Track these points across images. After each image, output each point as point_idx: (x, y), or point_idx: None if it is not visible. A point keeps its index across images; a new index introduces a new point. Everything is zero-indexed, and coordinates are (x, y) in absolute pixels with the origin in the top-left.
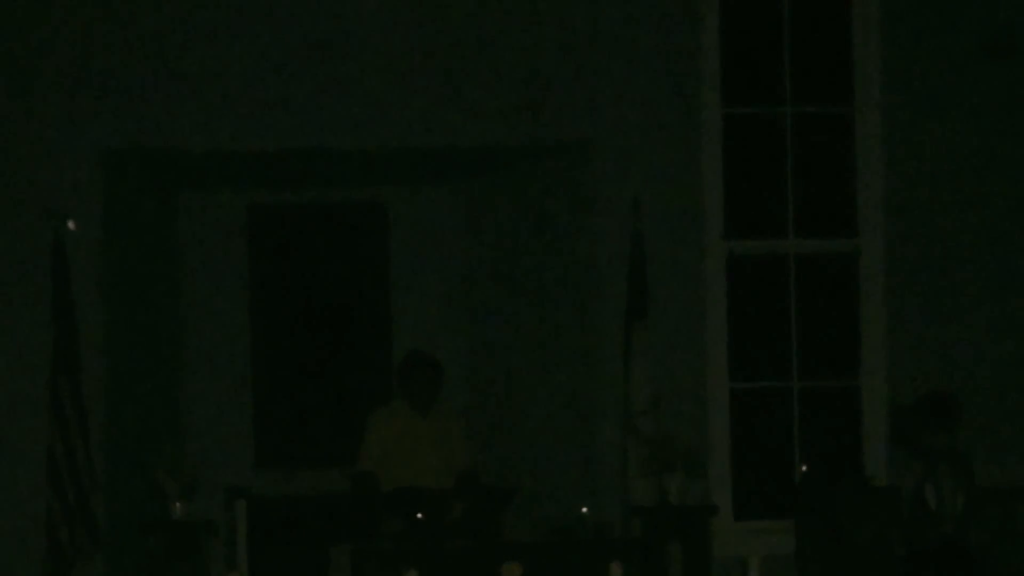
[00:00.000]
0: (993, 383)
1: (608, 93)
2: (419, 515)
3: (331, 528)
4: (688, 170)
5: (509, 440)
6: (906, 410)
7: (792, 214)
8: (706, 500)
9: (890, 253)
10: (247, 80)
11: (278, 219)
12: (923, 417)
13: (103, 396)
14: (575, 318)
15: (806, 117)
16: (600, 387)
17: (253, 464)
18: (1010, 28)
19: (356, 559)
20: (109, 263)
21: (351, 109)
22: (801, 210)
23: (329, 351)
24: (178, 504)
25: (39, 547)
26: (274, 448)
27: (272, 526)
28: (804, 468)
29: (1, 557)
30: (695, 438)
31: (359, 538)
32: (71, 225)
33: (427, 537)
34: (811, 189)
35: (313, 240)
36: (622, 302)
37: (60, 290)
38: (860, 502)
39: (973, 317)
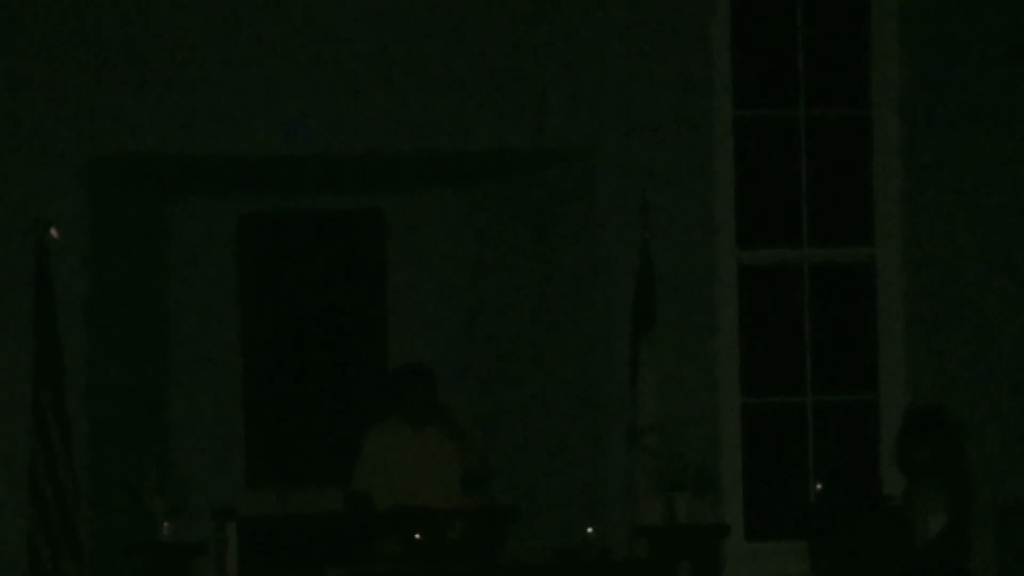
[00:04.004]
0: (1016, 396)
1: (614, 95)
2: (417, 535)
3: (325, 549)
4: (698, 176)
5: (511, 457)
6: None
7: (806, 222)
8: (717, 520)
9: (908, 262)
10: (238, 83)
11: (270, 227)
12: (908, 431)
13: (87, 412)
14: (580, 330)
15: (821, 121)
16: (606, 402)
17: (244, 482)
18: None
19: None
20: (94, 273)
21: (347, 113)
22: (816, 218)
23: (323, 364)
24: (166, 524)
25: (21, 569)
26: (265, 466)
27: (264, 548)
28: (819, 486)
29: None
30: (705, 455)
31: (355, 560)
32: (54, 233)
33: (425, 558)
34: (826, 196)
35: (307, 249)
36: (629, 314)
37: (43, 301)
38: (877, 522)
39: (995, 328)
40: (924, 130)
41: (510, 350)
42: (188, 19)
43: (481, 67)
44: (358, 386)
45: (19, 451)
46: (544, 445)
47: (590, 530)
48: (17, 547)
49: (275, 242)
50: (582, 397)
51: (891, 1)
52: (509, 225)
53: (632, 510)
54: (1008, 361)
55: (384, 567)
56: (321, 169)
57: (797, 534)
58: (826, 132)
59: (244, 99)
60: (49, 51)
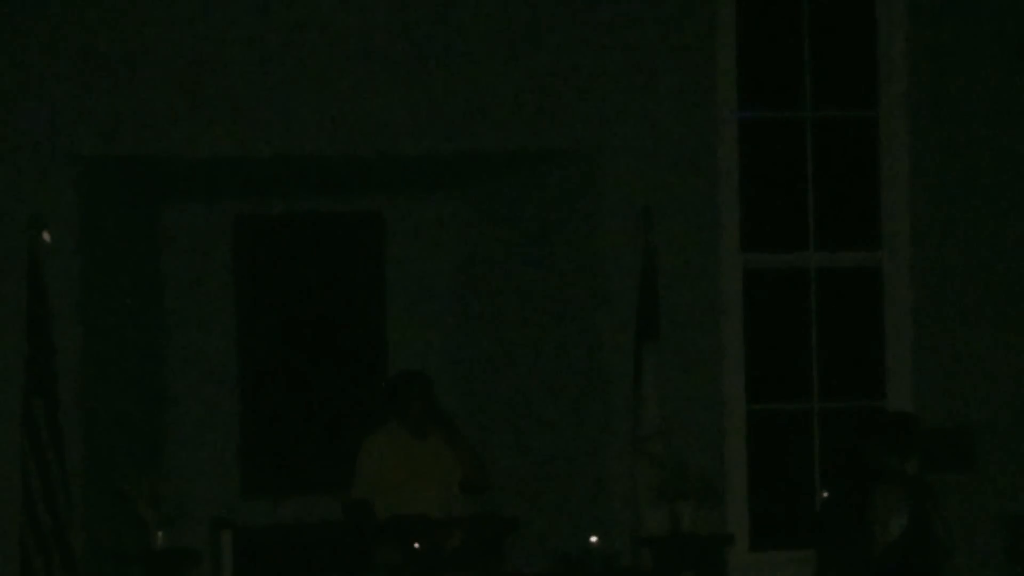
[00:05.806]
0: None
1: (618, 97)
2: (416, 545)
3: (323, 560)
4: (703, 179)
5: (512, 465)
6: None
7: (812, 225)
8: (721, 529)
9: (916, 266)
10: (234, 84)
11: (267, 230)
12: (874, 437)
13: (80, 418)
14: (582, 336)
15: (827, 122)
16: (609, 409)
17: (239, 491)
18: None
19: None
20: (87, 277)
21: (345, 114)
22: (822, 221)
23: (321, 370)
24: (160, 534)
25: None
26: (262, 474)
27: (260, 558)
28: (825, 495)
29: None
30: (710, 463)
31: (353, 570)
32: (47, 237)
33: (425, 568)
34: (833, 199)
35: (304, 253)
36: (632, 319)
37: (35, 306)
38: (847, 526)
39: (1005, 333)
40: (932, 132)
41: (511, 355)
42: (185, 20)
43: (482, 68)
44: (356, 392)
45: (11, 458)
46: (546, 453)
47: (593, 539)
48: (9, 555)
49: (272, 245)
50: (584, 403)
51: (898, 1)
52: (510, 229)
53: (635, 519)
54: (1016, 368)
55: None
56: (319, 171)
57: (803, 543)
58: (832, 134)
59: (241, 100)
60: (43, 52)
